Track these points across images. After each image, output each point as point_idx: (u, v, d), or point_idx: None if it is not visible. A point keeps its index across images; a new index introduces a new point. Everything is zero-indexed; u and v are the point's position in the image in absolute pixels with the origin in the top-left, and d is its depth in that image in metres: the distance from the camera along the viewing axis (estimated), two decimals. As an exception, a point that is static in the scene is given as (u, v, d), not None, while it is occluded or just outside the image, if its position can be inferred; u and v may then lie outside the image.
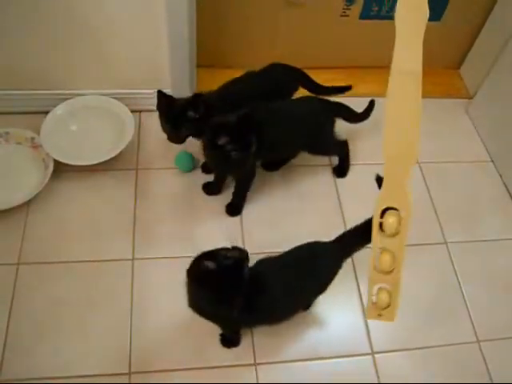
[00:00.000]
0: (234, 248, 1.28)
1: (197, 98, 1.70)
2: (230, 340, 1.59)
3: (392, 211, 1.10)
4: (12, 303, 1.61)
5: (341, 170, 2.06)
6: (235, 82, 1.85)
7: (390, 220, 1.09)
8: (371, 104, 1.99)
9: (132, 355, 1.54)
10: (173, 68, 1.99)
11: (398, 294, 1.15)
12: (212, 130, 1.58)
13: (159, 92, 1.71)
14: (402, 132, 1.03)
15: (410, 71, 1.00)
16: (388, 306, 1.15)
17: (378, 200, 1.10)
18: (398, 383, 1.55)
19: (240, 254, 1.26)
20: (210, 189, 1.92)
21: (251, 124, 1.58)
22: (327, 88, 2.00)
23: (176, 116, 1.71)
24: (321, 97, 1.92)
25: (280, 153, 1.92)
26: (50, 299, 1.62)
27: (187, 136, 1.76)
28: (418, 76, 1.00)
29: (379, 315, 1.17)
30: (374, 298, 1.16)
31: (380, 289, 1.15)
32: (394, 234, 1.11)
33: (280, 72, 1.92)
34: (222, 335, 1.58)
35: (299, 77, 1.96)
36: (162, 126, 1.76)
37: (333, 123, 1.89)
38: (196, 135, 1.76)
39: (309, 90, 1.98)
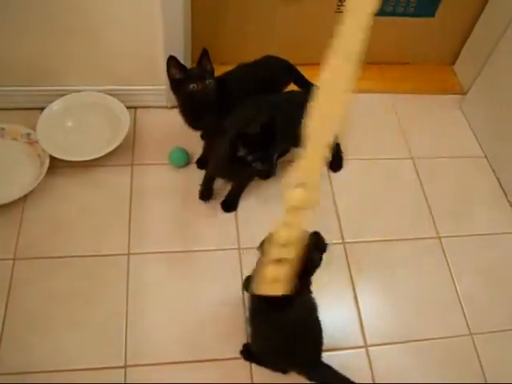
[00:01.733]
0: None
1: (205, 54, 1.72)
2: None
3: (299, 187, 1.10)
4: (8, 298, 1.61)
5: (337, 163, 2.06)
6: (228, 74, 1.86)
7: (296, 195, 1.11)
8: None
9: (127, 348, 1.55)
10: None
11: (292, 267, 1.17)
12: (232, 142, 1.53)
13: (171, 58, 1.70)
14: (326, 113, 1.07)
15: (346, 55, 1.07)
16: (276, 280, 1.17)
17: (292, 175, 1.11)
18: (393, 383, 1.57)
19: None
20: (207, 195, 1.91)
21: (273, 132, 1.53)
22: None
23: (197, 73, 1.71)
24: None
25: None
26: (45, 294, 1.63)
27: (215, 90, 1.74)
28: (352, 61, 1.05)
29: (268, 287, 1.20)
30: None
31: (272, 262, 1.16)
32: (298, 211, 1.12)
33: (273, 64, 1.93)
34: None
35: (291, 71, 1.97)
36: (187, 88, 1.71)
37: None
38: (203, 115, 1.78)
39: (299, 87, 1.99)
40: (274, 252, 1.16)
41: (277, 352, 1.44)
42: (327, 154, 1.09)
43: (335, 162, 2.06)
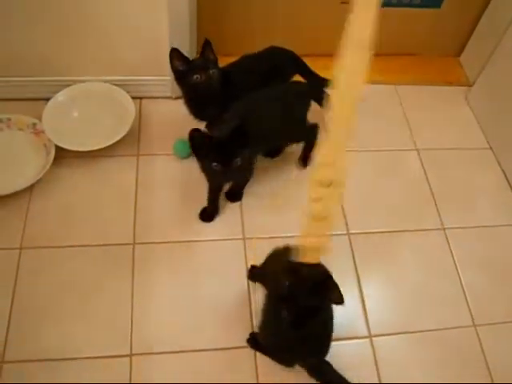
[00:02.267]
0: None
1: (207, 44, 1.71)
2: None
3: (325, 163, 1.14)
4: (15, 287, 1.63)
5: (307, 158, 2.00)
6: (232, 65, 1.86)
7: (323, 172, 1.15)
8: None
9: (133, 337, 1.56)
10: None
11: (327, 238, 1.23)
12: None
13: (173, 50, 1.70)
14: (346, 97, 1.13)
15: (359, 42, 1.09)
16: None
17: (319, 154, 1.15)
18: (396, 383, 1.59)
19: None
20: (209, 215, 1.86)
21: (243, 137, 1.52)
22: (324, 79, 1.99)
23: (200, 64, 1.71)
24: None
25: (271, 142, 1.91)
26: (52, 283, 1.64)
27: (219, 80, 1.74)
28: (366, 47, 1.09)
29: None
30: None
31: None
32: (328, 185, 1.15)
33: (277, 55, 1.93)
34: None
35: (296, 62, 1.96)
36: (191, 79, 1.71)
37: (308, 106, 1.88)
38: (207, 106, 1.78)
39: (305, 78, 1.99)
40: (310, 226, 1.23)
41: (283, 347, 1.45)
42: (351, 136, 1.13)
43: (306, 155, 2.00)
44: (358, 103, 1.11)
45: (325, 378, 1.47)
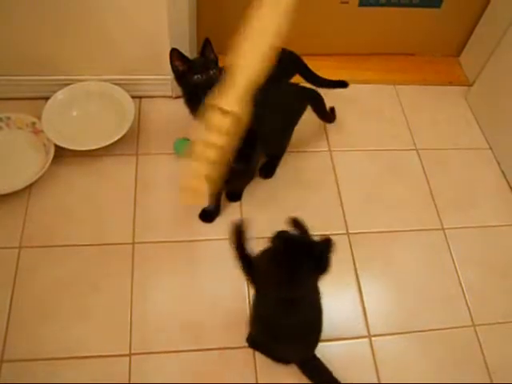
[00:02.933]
0: None
1: (207, 43, 1.70)
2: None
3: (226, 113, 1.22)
4: (14, 286, 1.63)
5: (272, 169, 1.98)
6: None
7: (222, 122, 1.22)
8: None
9: (132, 337, 1.56)
10: (173, 54, 1.99)
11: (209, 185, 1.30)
12: None
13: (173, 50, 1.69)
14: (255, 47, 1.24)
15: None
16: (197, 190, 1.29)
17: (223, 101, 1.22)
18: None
19: None
20: (210, 215, 1.85)
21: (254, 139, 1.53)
22: (325, 80, 2.00)
23: (201, 65, 1.69)
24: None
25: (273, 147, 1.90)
26: (51, 282, 1.64)
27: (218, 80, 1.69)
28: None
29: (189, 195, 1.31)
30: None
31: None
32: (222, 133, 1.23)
33: (278, 54, 1.92)
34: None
35: (297, 62, 1.96)
36: (191, 80, 1.69)
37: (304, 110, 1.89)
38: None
39: (306, 79, 1.98)
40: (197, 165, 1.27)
41: (273, 340, 1.46)
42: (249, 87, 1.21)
43: (273, 166, 1.98)
44: (265, 59, 1.22)
45: (315, 377, 1.49)
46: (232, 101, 1.23)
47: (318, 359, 1.50)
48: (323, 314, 1.43)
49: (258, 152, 1.69)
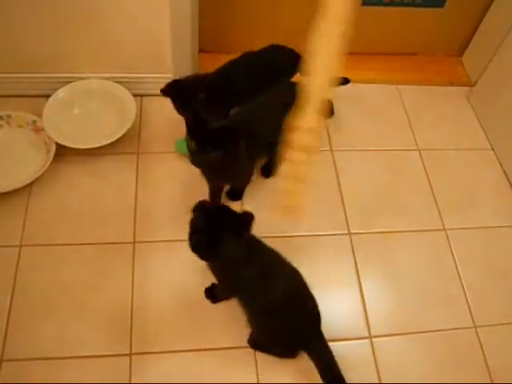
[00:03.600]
0: None
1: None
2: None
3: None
4: (14, 284, 1.62)
5: (271, 169, 1.97)
6: (234, 62, 1.85)
7: (306, 139, 1.23)
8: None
9: (133, 336, 1.56)
10: (175, 52, 1.99)
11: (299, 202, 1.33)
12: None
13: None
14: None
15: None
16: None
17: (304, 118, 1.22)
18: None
19: None
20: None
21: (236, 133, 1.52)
22: None
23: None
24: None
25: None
26: (51, 281, 1.64)
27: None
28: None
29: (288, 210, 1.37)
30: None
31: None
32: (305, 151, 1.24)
33: (279, 53, 1.92)
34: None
35: (298, 61, 1.95)
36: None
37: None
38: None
39: None
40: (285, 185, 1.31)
41: (273, 330, 1.48)
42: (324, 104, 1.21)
43: (271, 166, 1.97)
44: (334, 74, 1.20)
45: (322, 363, 1.48)
46: (311, 117, 1.22)
47: (324, 343, 1.49)
48: (311, 288, 1.48)
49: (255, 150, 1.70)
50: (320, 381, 1.44)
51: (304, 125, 1.22)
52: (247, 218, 1.29)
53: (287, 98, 1.77)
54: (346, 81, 2.01)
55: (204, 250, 1.30)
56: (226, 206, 1.35)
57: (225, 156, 1.50)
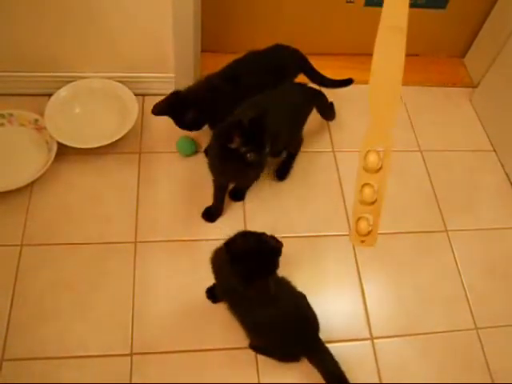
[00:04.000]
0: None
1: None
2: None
3: (373, 150, 1.17)
4: (15, 284, 1.62)
5: (286, 170, 1.98)
6: (237, 62, 1.85)
7: (371, 158, 1.17)
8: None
9: (134, 337, 1.56)
10: (177, 52, 1.99)
11: (378, 221, 1.26)
12: (223, 134, 1.51)
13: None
14: (386, 80, 1.11)
15: (396, 26, 1.10)
16: (369, 233, 1.26)
17: (364, 142, 1.18)
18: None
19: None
20: (213, 214, 1.84)
21: (263, 125, 1.50)
22: (329, 80, 2.00)
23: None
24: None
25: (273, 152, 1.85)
26: (52, 280, 1.64)
27: (196, 121, 1.76)
28: (404, 31, 1.09)
29: (362, 241, 1.26)
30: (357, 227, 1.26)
31: (360, 218, 1.25)
32: (377, 170, 1.20)
33: (282, 53, 1.92)
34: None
35: (302, 61, 1.96)
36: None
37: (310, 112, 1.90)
38: (206, 120, 1.77)
39: (310, 79, 1.98)
40: (360, 210, 1.25)
41: (271, 343, 1.51)
42: (393, 117, 1.16)
43: (287, 168, 1.98)
44: (399, 87, 1.11)
45: (324, 368, 1.50)
46: (383, 137, 1.19)
47: (325, 349, 1.51)
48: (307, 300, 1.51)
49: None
50: (322, 381, 1.45)
51: (371, 146, 1.18)
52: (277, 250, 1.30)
53: (294, 99, 1.78)
54: (348, 82, 2.00)
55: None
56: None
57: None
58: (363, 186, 1.22)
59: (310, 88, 1.91)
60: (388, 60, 1.10)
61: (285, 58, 1.92)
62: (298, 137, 1.91)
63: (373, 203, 1.24)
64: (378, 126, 1.17)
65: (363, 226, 1.25)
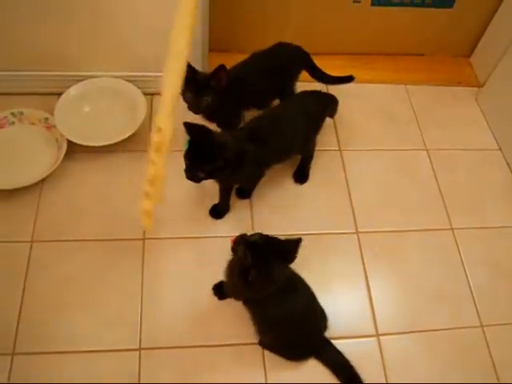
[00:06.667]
0: None
1: (219, 70, 1.69)
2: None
3: (158, 130, 1.33)
4: (26, 280, 1.64)
5: (305, 173, 1.99)
6: (243, 64, 1.87)
7: (156, 138, 1.33)
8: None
9: (142, 332, 1.57)
10: (185, 51, 1.99)
11: (156, 203, 1.43)
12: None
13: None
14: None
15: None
16: (149, 212, 1.43)
17: (156, 119, 1.33)
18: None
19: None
20: (220, 212, 1.86)
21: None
22: (330, 77, 2.01)
23: (199, 85, 1.71)
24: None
25: (283, 159, 1.87)
26: (62, 276, 1.65)
27: (208, 107, 1.75)
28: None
29: (145, 218, 1.45)
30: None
31: (145, 195, 1.42)
32: (159, 150, 1.35)
33: (285, 51, 1.93)
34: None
35: (304, 58, 1.97)
36: (184, 94, 1.71)
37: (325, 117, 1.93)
38: (216, 108, 1.77)
39: (311, 75, 2.00)
40: (144, 187, 1.42)
41: (279, 337, 1.52)
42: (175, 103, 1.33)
43: (305, 170, 2.00)
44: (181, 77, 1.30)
45: (335, 366, 1.53)
46: (162, 117, 1.32)
47: (333, 346, 1.55)
48: (321, 304, 1.54)
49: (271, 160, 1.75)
50: (328, 378, 1.47)
51: (156, 124, 1.32)
52: (295, 246, 1.29)
53: (309, 108, 1.80)
54: (349, 79, 2.01)
55: (261, 285, 1.29)
56: (266, 236, 1.33)
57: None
58: (149, 162, 1.37)
59: (324, 94, 1.94)
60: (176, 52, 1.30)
61: (288, 56, 1.93)
62: (313, 141, 1.92)
63: (154, 184, 1.39)
64: (165, 106, 1.31)
65: (145, 206, 1.43)
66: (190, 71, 1.67)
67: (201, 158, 1.52)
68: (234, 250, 1.32)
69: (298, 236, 1.29)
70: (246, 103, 1.90)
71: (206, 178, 1.56)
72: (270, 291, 1.31)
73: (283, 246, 1.30)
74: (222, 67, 1.69)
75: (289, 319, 1.43)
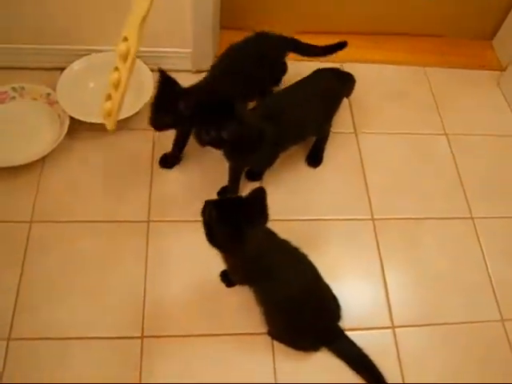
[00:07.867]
0: None
1: (190, 95, 1.60)
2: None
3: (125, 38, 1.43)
4: (24, 262, 1.58)
5: (318, 156, 1.93)
6: (221, 60, 1.78)
7: (122, 46, 1.43)
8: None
9: (145, 319, 1.51)
10: (195, 27, 1.93)
11: (116, 107, 1.51)
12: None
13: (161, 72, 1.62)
14: None
15: None
16: (110, 115, 1.53)
17: (123, 30, 1.44)
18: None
19: None
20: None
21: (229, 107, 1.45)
22: (321, 48, 1.91)
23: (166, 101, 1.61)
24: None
25: (299, 140, 1.82)
26: (62, 259, 1.60)
27: (167, 126, 1.67)
28: None
29: (105, 119, 1.56)
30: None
31: (108, 98, 1.51)
32: (125, 59, 1.44)
33: (263, 40, 1.83)
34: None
35: (285, 43, 1.87)
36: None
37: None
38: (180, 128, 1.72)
39: (301, 54, 1.91)
40: (107, 91, 1.51)
41: (288, 325, 1.46)
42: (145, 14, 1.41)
43: (319, 152, 1.92)
44: None
45: (352, 359, 1.48)
46: (130, 29, 1.43)
47: (347, 338, 1.49)
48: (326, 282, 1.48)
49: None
50: (340, 370, 1.43)
51: (122, 34, 1.43)
52: (261, 198, 1.26)
53: (326, 85, 1.73)
54: (342, 45, 1.90)
55: (229, 241, 1.27)
56: (232, 197, 1.33)
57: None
58: (114, 69, 1.46)
59: (342, 71, 1.88)
60: None
61: (266, 44, 1.83)
62: (330, 121, 1.85)
63: (117, 89, 1.46)
64: (134, 15, 1.40)
65: (106, 106, 1.51)
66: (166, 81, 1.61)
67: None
68: (202, 213, 1.30)
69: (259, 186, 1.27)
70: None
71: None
72: (242, 249, 1.28)
73: (249, 202, 1.27)
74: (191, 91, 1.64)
75: (297, 296, 1.38)
